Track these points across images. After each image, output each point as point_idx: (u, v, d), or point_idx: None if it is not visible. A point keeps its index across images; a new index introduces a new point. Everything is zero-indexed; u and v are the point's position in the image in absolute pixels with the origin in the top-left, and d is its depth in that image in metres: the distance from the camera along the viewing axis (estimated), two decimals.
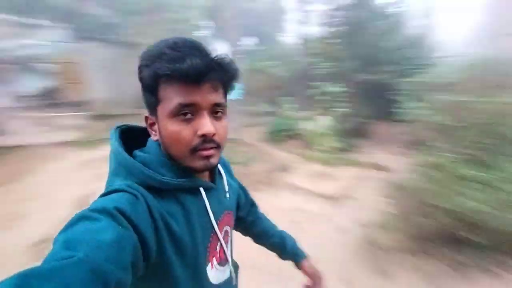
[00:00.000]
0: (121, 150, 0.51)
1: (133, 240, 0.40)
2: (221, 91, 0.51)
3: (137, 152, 0.54)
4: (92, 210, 0.40)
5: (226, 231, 0.65)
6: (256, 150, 4.99)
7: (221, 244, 0.61)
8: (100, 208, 0.40)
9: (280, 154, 4.93)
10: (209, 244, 0.57)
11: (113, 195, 0.45)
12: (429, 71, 4.06)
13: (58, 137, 5.68)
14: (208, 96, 0.48)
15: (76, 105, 8.43)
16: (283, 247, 0.83)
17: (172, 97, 0.47)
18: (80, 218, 0.39)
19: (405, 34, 5.79)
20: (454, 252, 2.18)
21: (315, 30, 7.34)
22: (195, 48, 0.47)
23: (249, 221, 0.83)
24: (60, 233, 0.38)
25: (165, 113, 0.48)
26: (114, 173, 0.51)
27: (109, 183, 0.51)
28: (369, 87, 5.47)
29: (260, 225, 0.85)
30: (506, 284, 2.00)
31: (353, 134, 5.40)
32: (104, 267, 0.33)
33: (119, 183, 0.48)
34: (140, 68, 0.49)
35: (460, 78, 3.05)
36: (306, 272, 0.82)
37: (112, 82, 7.73)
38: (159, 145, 0.53)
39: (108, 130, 0.57)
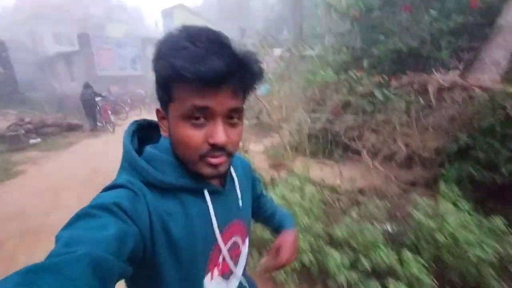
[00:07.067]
0: (127, 144, 0.50)
1: (134, 233, 0.40)
2: (240, 94, 0.46)
3: (147, 148, 0.51)
4: (92, 207, 0.40)
5: (235, 243, 0.60)
6: None
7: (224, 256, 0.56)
8: (100, 204, 0.40)
9: None
10: (210, 253, 0.53)
11: (113, 191, 0.44)
12: None
13: None
14: (226, 101, 0.43)
15: None
16: (272, 219, 0.79)
17: (186, 98, 0.42)
18: (81, 216, 0.39)
19: None
20: None
21: None
22: (218, 44, 0.41)
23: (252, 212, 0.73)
24: (61, 230, 0.37)
25: (176, 114, 0.44)
26: (121, 167, 0.50)
27: (116, 176, 0.49)
28: None
29: (261, 214, 0.79)
30: None
31: None
32: (106, 259, 0.34)
33: (122, 178, 0.47)
34: (156, 58, 0.44)
35: None
36: (274, 242, 0.71)
37: None
38: (170, 142, 0.50)
39: None
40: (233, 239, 0.59)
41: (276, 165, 3.67)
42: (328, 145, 3.80)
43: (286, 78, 5.80)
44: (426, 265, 1.41)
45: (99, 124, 8.10)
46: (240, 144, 3.88)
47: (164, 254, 0.46)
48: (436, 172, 2.40)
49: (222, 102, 0.43)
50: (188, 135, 0.44)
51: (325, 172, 3.08)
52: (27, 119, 7.33)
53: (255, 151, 4.30)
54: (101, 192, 0.45)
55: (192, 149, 0.45)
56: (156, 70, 0.44)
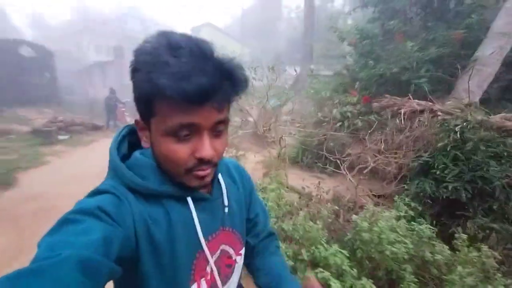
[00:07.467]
0: (113, 150, 0.50)
1: (120, 235, 0.40)
2: (226, 106, 0.45)
3: (135, 153, 0.51)
4: (74, 212, 0.39)
5: (224, 251, 0.57)
6: None
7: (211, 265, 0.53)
8: (83, 209, 0.40)
9: None
10: (194, 261, 0.51)
11: (96, 197, 0.44)
12: None
13: None
14: (211, 115, 0.42)
15: None
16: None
17: (170, 115, 0.41)
18: (63, 222, 0.38)
19: None
20: None
21: None
22: (202, 58, 0.39)
23: (255, 252, 0.68)
24: (43, 237, 0.36)
25: (160, 128, 0.43)
26: (107, 172, 0.50)
27: (102, 182, 0.49)
28: None
29: (263, 259, 0.67)
30: None
31: None
32: (93, 258, 0.33)
33: (106, 183, 0.47)
34: (134, 70, 0.42)
35: None
36: None
37: None
38: (153, 152, 0.49)
39: None
40: (222, 247, 0.56)
41: (266, 174, 3.95)
42: (322, 158, 4.03)
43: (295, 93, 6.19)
44: (348, 256, 1.62)
45: (115, 125, 9.16)
46: (235, 152, 4.32)
47: (148, 259, 0.45)
48: (401, 187, 2.57)
49: (207, 116, 0.42)
50: (173, 150, 0.43)
51: (307, 181, 3.31)
52: (60, 118, 8.28)
53: (253, 160, 4.63)
54: (84, 197, 0.45)
55: (178, 164, 0.44)
56: (135, 82, 0.43)
